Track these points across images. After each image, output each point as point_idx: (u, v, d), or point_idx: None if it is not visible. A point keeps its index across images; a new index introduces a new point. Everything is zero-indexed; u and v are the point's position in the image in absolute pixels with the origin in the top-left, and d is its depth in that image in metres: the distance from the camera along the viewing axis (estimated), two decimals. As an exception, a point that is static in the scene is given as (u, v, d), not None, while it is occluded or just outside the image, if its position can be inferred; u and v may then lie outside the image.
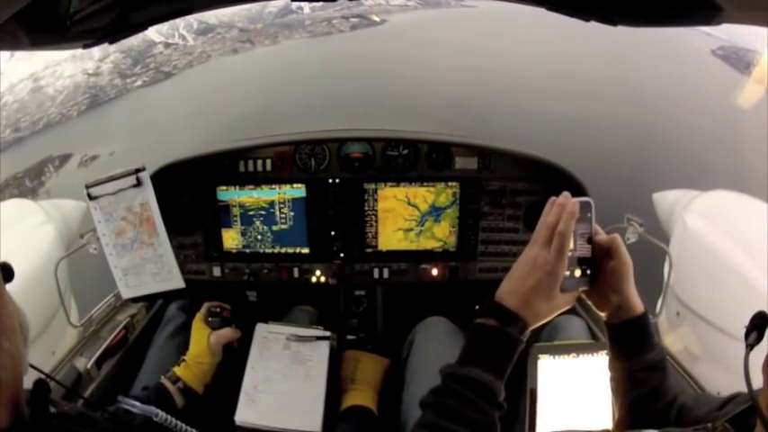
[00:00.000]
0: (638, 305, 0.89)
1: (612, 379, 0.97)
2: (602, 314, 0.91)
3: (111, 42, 0.94)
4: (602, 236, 0.87)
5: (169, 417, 1.12)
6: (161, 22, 1.05)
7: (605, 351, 1.42)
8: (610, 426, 1.33)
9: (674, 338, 1.67)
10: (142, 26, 1.02)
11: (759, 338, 0.67)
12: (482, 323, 0.77)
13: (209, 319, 1.48)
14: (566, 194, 0.80)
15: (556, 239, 0.76)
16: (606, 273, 0.86)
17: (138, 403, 1.10)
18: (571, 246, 0.79)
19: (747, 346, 0.66)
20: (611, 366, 0.97)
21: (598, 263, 0.85)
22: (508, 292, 0.78)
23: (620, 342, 0.93)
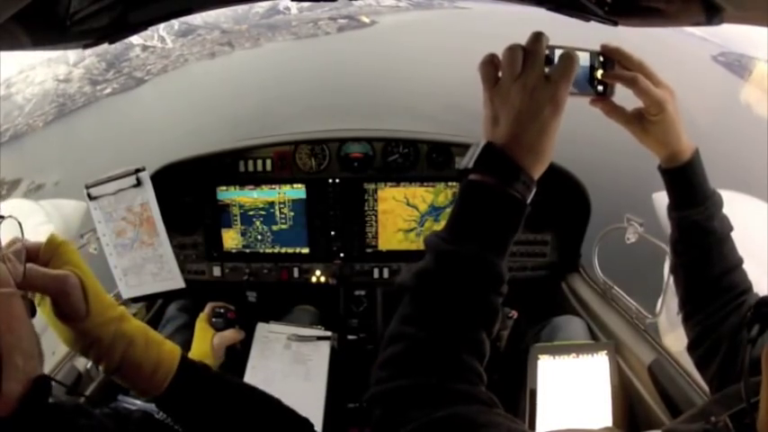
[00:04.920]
0: (680, 152, 0.78)
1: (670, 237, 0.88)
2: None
3: (111, 42, 0.94)
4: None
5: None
6: (161, 22, 1.05)
7: (605, 351, 1.42)
8: (610, 425, 1.33)
9: (674, 338, 1.67)
10: (142, 26, 1.02)
11: (764, 329, 0.56)
12: (478, 182, 0.58)
13: (213, 319, 1.48)
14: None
15: (562, 60, 0.59)
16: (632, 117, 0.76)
17: (138, 401, 1.10)
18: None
19: (749, 341, 0.56)
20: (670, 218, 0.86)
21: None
22: (509, 138, 0.57)
23: (668, 191, 0.84)
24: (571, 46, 0.64)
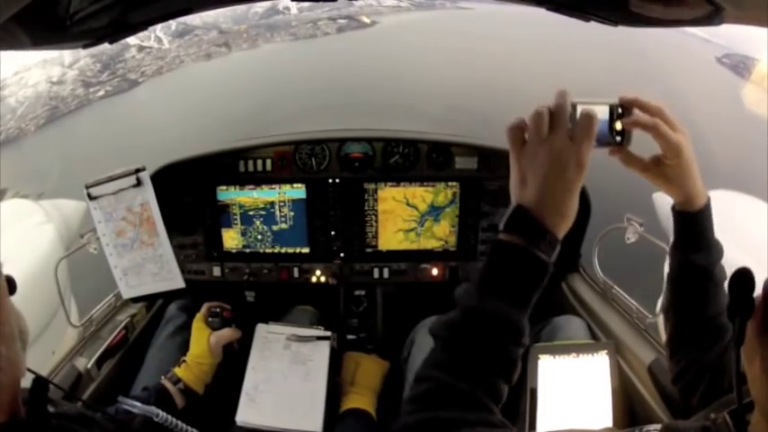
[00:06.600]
0: (695, 197, 0.83)
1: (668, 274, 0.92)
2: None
3: (111, 42, 0.94)
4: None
5: (169, 417, 1.12)
6: (161, 22, 1.06)
7: (605, 351, 1.42)
8: (610, 426, 1.33)
9: (674, 338, 1.67)
10: (142, 26, 1.02)
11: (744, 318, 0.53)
12: (506, 242, 0.63)
13: (210, 319, 1.48)
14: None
15: (582, 121, 0.62)
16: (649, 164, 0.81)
17: (138, 403, 1.10)
18: None
19: (735, 342, 0.54)
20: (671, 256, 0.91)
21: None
22: (536, 199, 0.62)
23: (676, 231, 0.89)
24: (592, 100, 0.67)
